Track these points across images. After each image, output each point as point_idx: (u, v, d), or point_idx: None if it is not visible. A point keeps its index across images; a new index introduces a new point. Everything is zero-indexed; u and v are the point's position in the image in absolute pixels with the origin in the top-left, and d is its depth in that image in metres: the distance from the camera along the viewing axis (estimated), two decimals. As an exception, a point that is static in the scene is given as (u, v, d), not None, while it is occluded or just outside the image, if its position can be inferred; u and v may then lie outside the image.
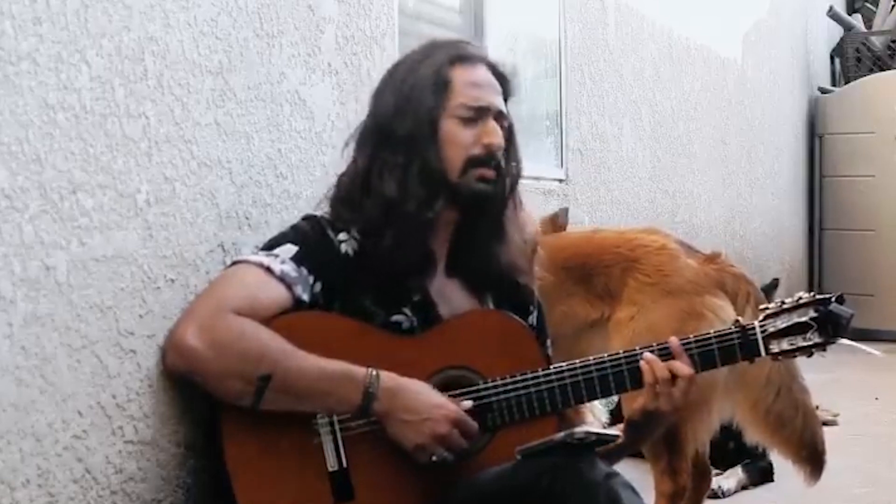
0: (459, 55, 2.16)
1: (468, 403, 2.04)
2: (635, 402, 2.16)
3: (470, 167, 2.11)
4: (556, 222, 3.31)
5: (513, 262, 2.19)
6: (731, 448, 3.73)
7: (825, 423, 4.74)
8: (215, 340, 1.93)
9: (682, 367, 2.06)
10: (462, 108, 2.11)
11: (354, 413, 1.98)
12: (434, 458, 1.99)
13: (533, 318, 2.27)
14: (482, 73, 2.16)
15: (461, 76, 2.13)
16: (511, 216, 2.19)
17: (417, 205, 2.08)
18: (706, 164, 5.99)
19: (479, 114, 2.12)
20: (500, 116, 2.15)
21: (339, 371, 1.97)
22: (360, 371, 1.97)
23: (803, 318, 2.10)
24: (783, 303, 2.12)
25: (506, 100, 2.19)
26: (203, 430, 2.05)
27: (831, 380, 5.47)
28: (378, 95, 2.18)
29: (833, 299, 2.11)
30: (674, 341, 2.08)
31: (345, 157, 2.20)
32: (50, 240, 1.78)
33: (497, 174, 2.13)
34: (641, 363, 2.07)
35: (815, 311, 2.10)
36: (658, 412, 2.09)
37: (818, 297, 2.12)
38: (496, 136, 2.11)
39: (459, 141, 2.10)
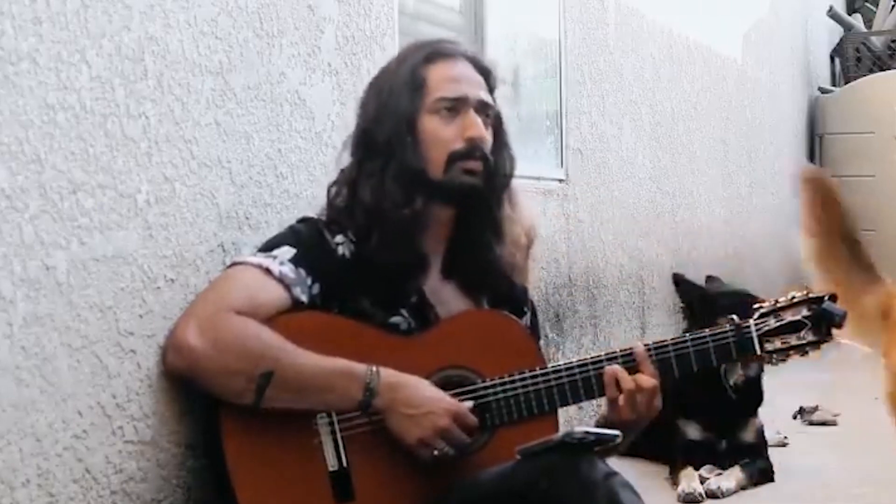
0: (433, 52, 2.15)
1: (469, 404, 2.03)
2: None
3: (453, 162, 2.10)
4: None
5: (510, 261, 2.19)
6: (723, 448, 3.73)
7: (825, 423, 4.75)
8: (216, 339, 1.93)
9: (645, 378, 2.04)
10: (439, 101, 2.10)
11: (355, 409, 1.98)
12: (436, 452, 1.99)
13: (527, 319, 2.27)
14: (459, 67, 2.15)
15: (436, 73, 2.13)
16: (507, 213, 2.18)
17: (393, 203, 2.07)
18: (706, 164, 5.98)
19: (458, 105, 2.11)
20: (482, 107, 2.13)
21: (340, 368, 1.97)
22: (360, 367, 1.98)
23: (797, 317, 2.10)
24: (777, 302, 2.12)
25: (491, 92, 2.18)
26: (203, 430, 2.06)
27: (831, 380, 5.46)
28: (362, 105, 2.18)
29: (826, 298, 2.11)
30: (639, 348, 2.07)
31: (341, 161, 2.20)
32: (50, 240, 1.78)
33: (484, 165, 2.11)
34: (606, 376, 2.05)
35: (809, 309, 2.10)
36: (621, 422, 2.05)
37: (811, 295, 2.12)
38: (478, 129, 2.10)
39: (440, 137, 2.10)
